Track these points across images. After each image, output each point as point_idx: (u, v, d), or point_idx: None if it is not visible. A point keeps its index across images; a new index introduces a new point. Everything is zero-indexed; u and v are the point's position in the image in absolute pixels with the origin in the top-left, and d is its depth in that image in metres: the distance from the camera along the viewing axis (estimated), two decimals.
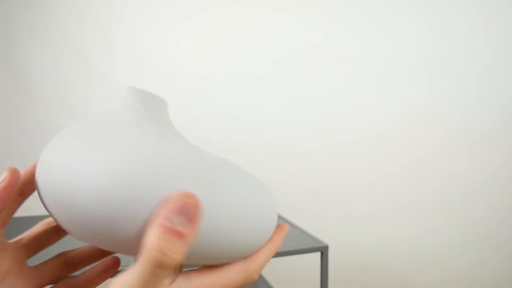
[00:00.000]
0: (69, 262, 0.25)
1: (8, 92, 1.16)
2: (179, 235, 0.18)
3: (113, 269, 0.25)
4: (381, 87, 1.16)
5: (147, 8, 1.18)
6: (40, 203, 1.14)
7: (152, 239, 0.17)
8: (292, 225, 0.89)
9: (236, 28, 1.17)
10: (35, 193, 1.20)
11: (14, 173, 0.21)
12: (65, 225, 0.19)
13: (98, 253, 0.25)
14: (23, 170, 0.23)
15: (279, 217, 0.97)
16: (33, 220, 0.80)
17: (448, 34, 1.10)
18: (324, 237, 1.03)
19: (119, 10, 1.16)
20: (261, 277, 1.04)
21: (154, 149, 0.19)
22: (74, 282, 0.25)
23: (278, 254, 0.75)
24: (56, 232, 0.25)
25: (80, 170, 0.18)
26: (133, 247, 0.18)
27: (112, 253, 0.24)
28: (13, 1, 1.13)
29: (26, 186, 0.22)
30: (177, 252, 0.18)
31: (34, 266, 0.24)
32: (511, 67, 1.08)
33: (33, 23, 1.13)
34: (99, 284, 0.26)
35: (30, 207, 1.12)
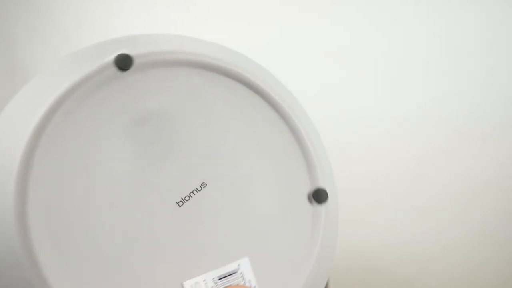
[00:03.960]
0: None
1: (8, 92, 1.16)
2: None
3: None
4: (381, 86, 1.16)
5: (146, 8, 1.18)
6: None
7: None
8: None
9: (233, 28, 1.17)
10: None
11: None
12: None
13: None
14: None
15: None
16: None
17: (451, 33, 1.10)
18: None
19: (118, 10, 1.16)
20: None
21: None
22: None
23: None
24: None
25: None
26: None
27: None
28: (11, 1, 1.13)
29: None
30: None
31: None
32: None
33: (31, 23, 1.13)
34: None
35: None
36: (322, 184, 0.20)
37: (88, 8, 1.14)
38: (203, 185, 0.18)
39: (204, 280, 0.17)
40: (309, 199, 0.20)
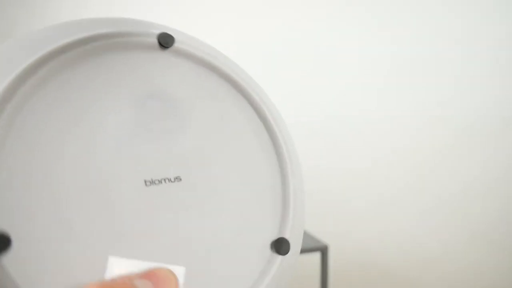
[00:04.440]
0: None
1: None
2: None
3: None
4: (382, 86, 1.15)
5: (147, 9, 1.18)
6: None
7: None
8: None
9: (235, 27, 1.17)
10: None
11: None
12: None
13: None
14: None
15: None
16: None
17: (452, 33, 1.10)
18: (324, 237, 1.02)
19: (119, 10, 1.16)
20: None
21: None
22: None
23: None
24: None
25: None
26: None
27: None
28: (13, 2, 1.13)
29: None
30: None
31: None
32: None
33: (32, 24, 1.13)
34: None
35: None
36: (289, 236, 0.19)
37: (90, 10, 1.14)
38: (178, 179, 0.18)
39: (128, 266, 0.16)
40: (270, 244, 0.19)
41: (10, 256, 0.14)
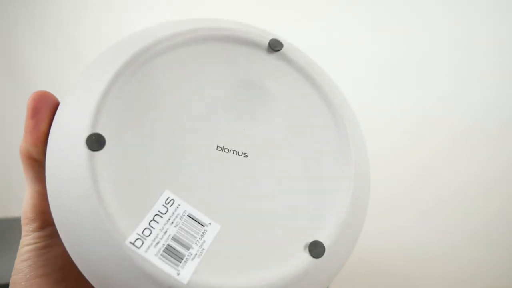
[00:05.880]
0: None
1: (8, 92, 1.16)
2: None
3: None
4: (383, 86, 1.15)
5: (148, 9, 1.18)
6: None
7: None
8: None
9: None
10: None
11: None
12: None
13: None
14: None
15: None
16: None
17: (451, 33, 1.10)
18: None
19: (120, 10, 1.16)
20: None
21: None
22: None
23: None
24: None
25: None
26: None
27: None
28: (13, 2, 1.13)
29: None
30: (23, 142, 0.20)
31: None
32: None
33: (33, 24, 1.13)
34: None
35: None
36: (324, 240, 0.19)
37: (91, 11, 1.14)
38: (244, 154, 0.20)
39: (179, 204, 0.18)
40: (305, 244, 0.19)
41: (102, 154, 0.17)
